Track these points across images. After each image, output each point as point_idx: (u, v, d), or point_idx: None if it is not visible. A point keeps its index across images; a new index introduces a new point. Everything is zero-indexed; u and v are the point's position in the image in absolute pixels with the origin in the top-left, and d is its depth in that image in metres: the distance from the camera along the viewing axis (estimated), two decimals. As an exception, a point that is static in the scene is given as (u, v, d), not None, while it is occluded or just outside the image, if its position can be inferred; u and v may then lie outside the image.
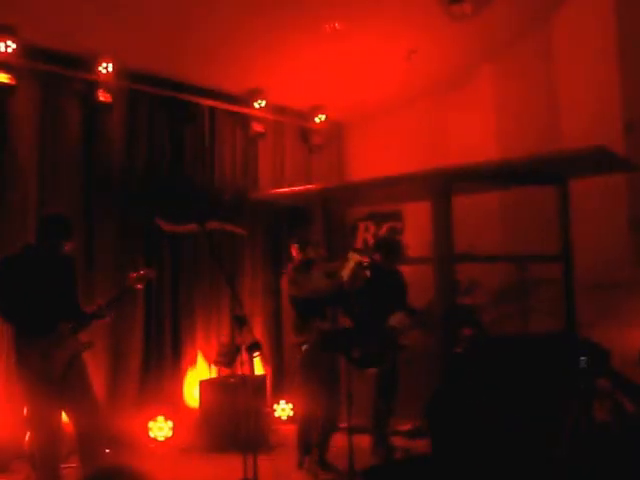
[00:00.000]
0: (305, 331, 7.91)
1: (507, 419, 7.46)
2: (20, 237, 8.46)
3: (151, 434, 9.38)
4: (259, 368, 10.25)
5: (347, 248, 10.29)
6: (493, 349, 8.35)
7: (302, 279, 8.01)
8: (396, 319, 8.46)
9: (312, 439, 8.01)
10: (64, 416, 6.82)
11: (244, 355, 7.22)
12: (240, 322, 7.04)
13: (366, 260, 8.21)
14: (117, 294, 7.20)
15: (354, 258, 7.79)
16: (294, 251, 8.27)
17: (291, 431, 9.30)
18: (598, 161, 9.12)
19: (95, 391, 7.06)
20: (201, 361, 10.38)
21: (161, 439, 9.39)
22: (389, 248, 8.86)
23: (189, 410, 10.02)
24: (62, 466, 6.91)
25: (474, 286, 9.77)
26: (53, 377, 6.59)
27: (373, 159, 11.93)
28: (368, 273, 7.96)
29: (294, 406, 10.61)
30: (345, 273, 7.74)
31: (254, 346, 7.04)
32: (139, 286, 7.22)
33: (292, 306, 8.10)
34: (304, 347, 7.90)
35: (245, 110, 11.16)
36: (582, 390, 6.97)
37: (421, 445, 8.77)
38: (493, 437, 7.18)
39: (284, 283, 8.43)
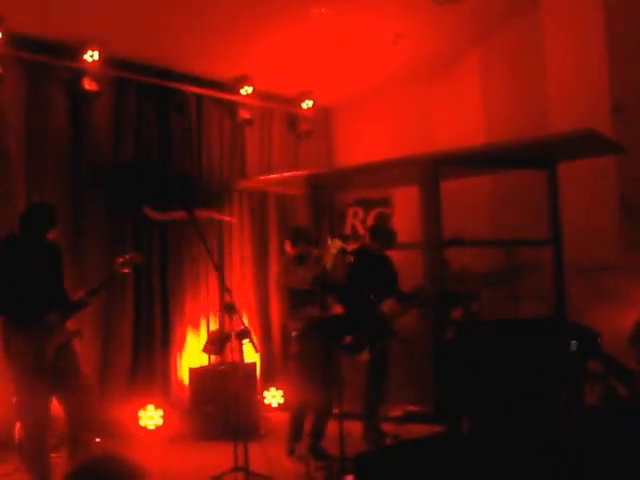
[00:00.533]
0: (297, 317, 7.88)
1: (497, 403, 7.46)
2: (8, 227, 8.44)
3: (141, 423, 9.35)
4: (249, 355, 10.22)
5: (334, 234, 10.29)
6: (483, 334, 8.35)
7: (294, 269, 7.98)
8: (387, 305, 8.44)
9: (304, 427, 7.99)
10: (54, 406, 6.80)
11: (234, 342, 7.21)
12: (229, 310, 7.03)
13: (351, 246, 8.19)
14: (105, 279, 7.17)
15: (335, 245, 7.72)
16: (287, 247, 8.23)
17: (281, 418, 9.29)
18: (586, 144, 9.14)
19: (85, 380, 7.04)
20: (191, 349, 10.34)
21: (151, 428, 9.35)
22: (385, 234, 8.79)
23: (179, 398, 9.98)
24: (52, 456, 6.89)
25: (465, 273, 9.75)
26: (42, 366, 6.55)
27: (361, 145, 11.91)
28: (352, 259, 7.89)
29: (284, 393, 10.61)
30: (327, 260, 7.68)
31: (243, 333, 7.03)
32: (126, 270, 7.17)
33: (284, 293, 8.07)
34: (294, 334, 7.89)
35: (232, 97, 11.11)
36: (572, 374, 6.97)
37: (412, 431, 8.78)
38: (483, 420, 7.18)
39: (276, 271, 8.37)
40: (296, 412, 8.11)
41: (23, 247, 6.75)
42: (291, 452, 7.99)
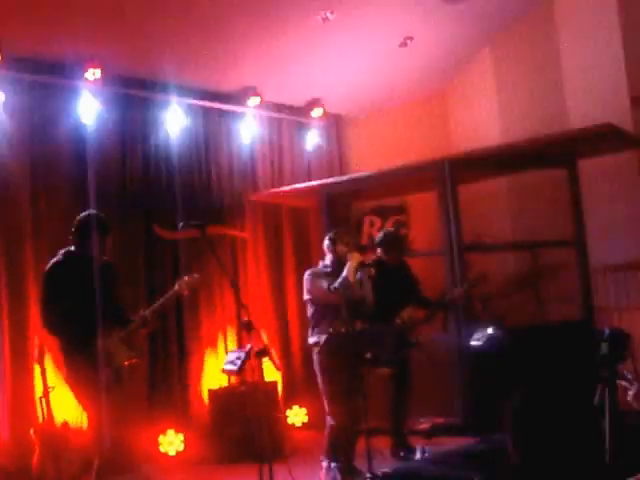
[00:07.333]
0: (319, 332, 7.63)
1: (529, 409, 7.27)
2: (16, 251, 8.57)
3: (162, 449, 9.12)
4: (269, 374, 10.01)
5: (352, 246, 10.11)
6: (512, 339, 8.17)
7: (319, 280, 7.72)
8: (405, 313, 8.25)
9: (339, 445, 7.74)
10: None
11: (253, 361, 7.02)
12: (247, 328, 6.83)
13: (369, 258, 8.01)
14: (163, 301, 7.03)
15: (355, 257, 7.50)
16: (326, 248, 7.95)
17: (306, 437, 9.11)
18: (606, 139, 9.06)
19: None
20: (209, 369, 10.13)
21: (172, 453, 9.14)
22: (389, 242, 8.59)
23: (199, 421, 9.76)
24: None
25: (481, 278, 9.51)
26: (106, 384, 6.35)
27: (375, 151, 11.70)
28: (373, 271, 7.70)
29: (308, 411, 10.40)
30: (350, 274, 7.43)
31: (263, 352, 6.83)
32: (186, 292, 7.15)
33: (313, 305, 7.79)
34: (316, 350, 7.64)
35: (240, 109, 10.92)
36: (604, 376, 6.80)
37: (440, 444, 8.60)
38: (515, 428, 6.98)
39: (307, 282, 8.02)
40: (328, 430, 7.87)
41: (81, 267, 6.58)
42: (322, 461, 7.74)
